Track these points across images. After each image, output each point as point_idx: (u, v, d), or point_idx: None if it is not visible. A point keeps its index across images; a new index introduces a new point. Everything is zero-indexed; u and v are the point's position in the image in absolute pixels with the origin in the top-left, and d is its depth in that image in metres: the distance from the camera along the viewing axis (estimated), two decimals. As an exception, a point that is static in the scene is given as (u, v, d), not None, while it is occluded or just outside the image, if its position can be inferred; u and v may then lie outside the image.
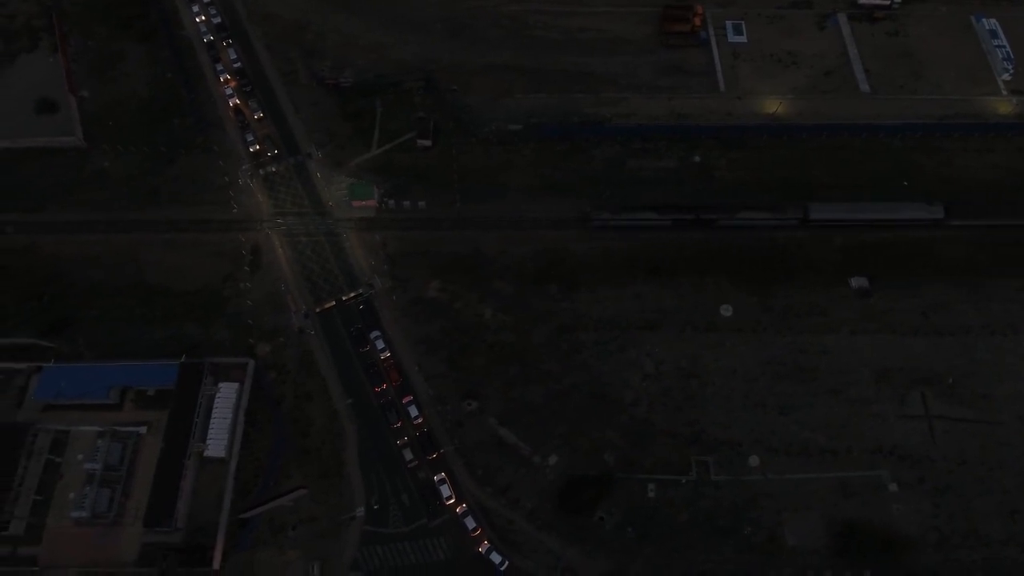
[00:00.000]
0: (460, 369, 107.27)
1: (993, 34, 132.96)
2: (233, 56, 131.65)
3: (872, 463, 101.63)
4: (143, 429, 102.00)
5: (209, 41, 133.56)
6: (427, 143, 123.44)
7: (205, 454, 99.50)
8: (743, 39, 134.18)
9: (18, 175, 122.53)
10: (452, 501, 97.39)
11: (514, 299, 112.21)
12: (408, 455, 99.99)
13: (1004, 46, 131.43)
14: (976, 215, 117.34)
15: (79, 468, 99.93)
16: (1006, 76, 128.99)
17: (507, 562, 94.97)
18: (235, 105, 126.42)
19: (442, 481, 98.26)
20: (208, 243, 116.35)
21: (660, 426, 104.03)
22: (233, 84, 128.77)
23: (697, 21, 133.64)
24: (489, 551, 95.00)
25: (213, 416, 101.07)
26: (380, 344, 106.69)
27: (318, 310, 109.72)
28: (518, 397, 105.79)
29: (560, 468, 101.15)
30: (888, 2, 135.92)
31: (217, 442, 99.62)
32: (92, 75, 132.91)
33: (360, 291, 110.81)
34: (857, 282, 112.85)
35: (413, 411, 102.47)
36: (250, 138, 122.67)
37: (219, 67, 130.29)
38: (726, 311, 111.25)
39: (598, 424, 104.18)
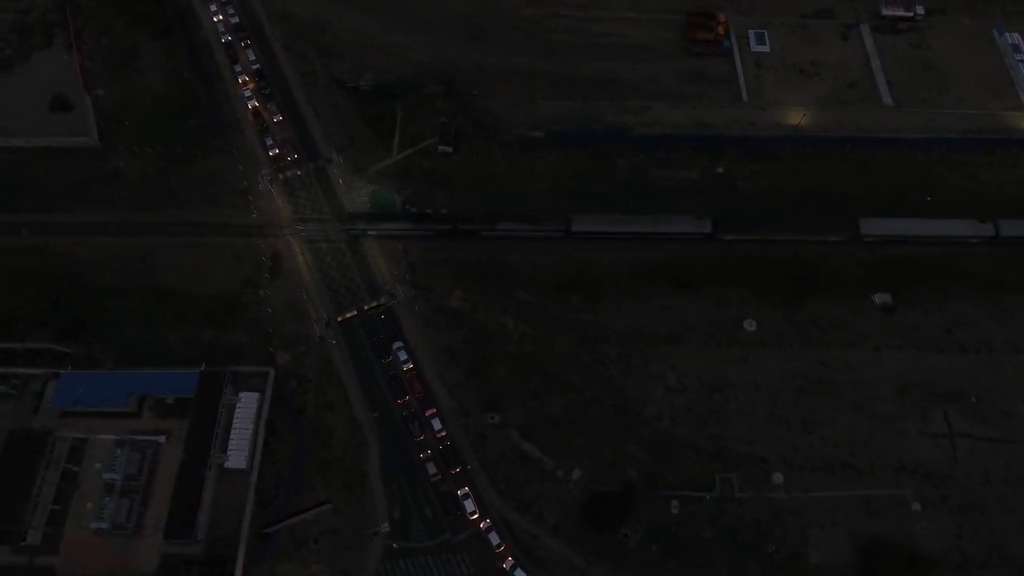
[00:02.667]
0: (482, 380, 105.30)
1: (1016, 48, 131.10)
2: (251, 57, 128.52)
3: (896, 481, 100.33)
4: (162, 438, 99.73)
5: (227, 41, 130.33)
6: (448, 149, 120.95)
7: (225, 465, 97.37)
8: (766, 48, 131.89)
9: (33, 175, 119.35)
10: (476, 516, 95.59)
11: (536, 309, 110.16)
12: (431, 469, 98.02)
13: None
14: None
15: (97, 477, 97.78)
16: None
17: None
18: (254, 107, 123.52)
19: (466, 496, 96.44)
20: (227, 247, 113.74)
21: (683, 440, 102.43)
22: (252, 85, 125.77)
23: (721, 30, 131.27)
24: (513, 567, 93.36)
25: (234, 426, 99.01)
26: (402, 355, 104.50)
27: (339, 319, 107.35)
28: (540, 409, 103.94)
29: (583, 483, 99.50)
30: (911, 14, 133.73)
31: (238, 453, 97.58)
32: (107, 72, 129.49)
33: (382, 300, 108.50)
34: (881, 298, 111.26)
35: (436, 424, 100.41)
36: (269, 141, 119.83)
37: (237, 68, 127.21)
38: (750, 325, 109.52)
39: (621, 438, 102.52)
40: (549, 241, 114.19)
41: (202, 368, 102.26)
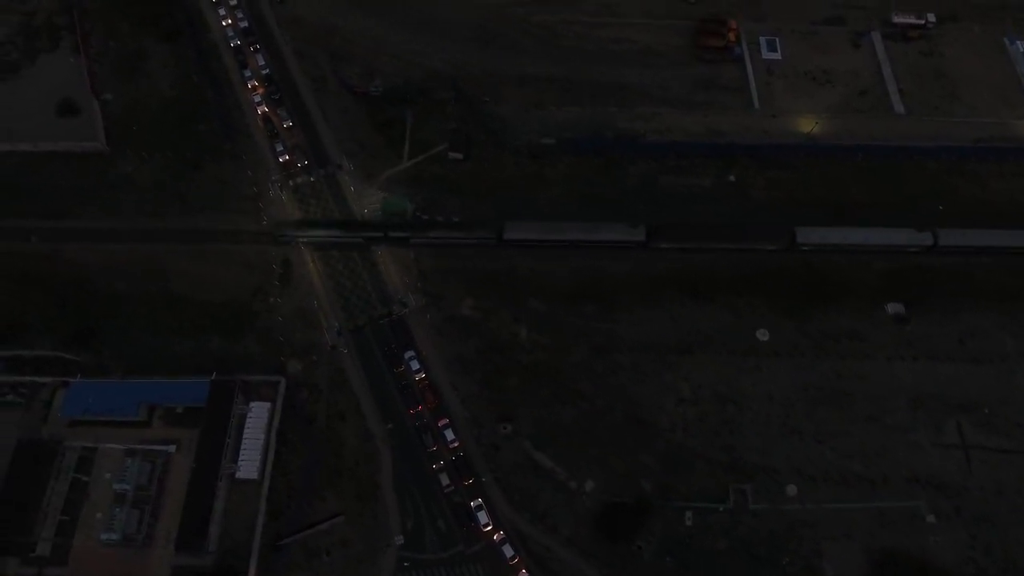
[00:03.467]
0: (494, 390, 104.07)
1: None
2: (261, 61, 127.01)
3: (909, 492, 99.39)
4: (172, 448, 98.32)
5: (236, 45, 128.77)
6: (459, 156, 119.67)
7: (237, 475, 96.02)
8: (777, 55, 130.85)
9: (40, 180, 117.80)
10: (489, 528, 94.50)
11: (549, 318, 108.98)
12: (444, 479, 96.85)
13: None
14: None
15: (106, 487, 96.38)
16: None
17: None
18: (264, 113, 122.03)
19: (479, 507, 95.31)
20: (237, 254, 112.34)
21: (696, 452, 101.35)
22: (261, 91, 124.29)
23: (732, 36, 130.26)
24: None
25: (245, 436, 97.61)
26: (415, 364, 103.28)
27: (351, 328, 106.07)
28: (552, 419, 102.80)
29: (597, 494, 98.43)
30: (922, 21, 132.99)
31: (249, 463, 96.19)
32: (114, 76, 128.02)
33: (393, 309, 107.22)
34: (893, 308, 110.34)
35: (449, 434, 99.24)
36: (279, 148, 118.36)
37: (247, 73, 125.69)
38: (763, 335, 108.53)
39: (634, 448, 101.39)
40: (482, 248, 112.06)
41: (213, 377, 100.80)
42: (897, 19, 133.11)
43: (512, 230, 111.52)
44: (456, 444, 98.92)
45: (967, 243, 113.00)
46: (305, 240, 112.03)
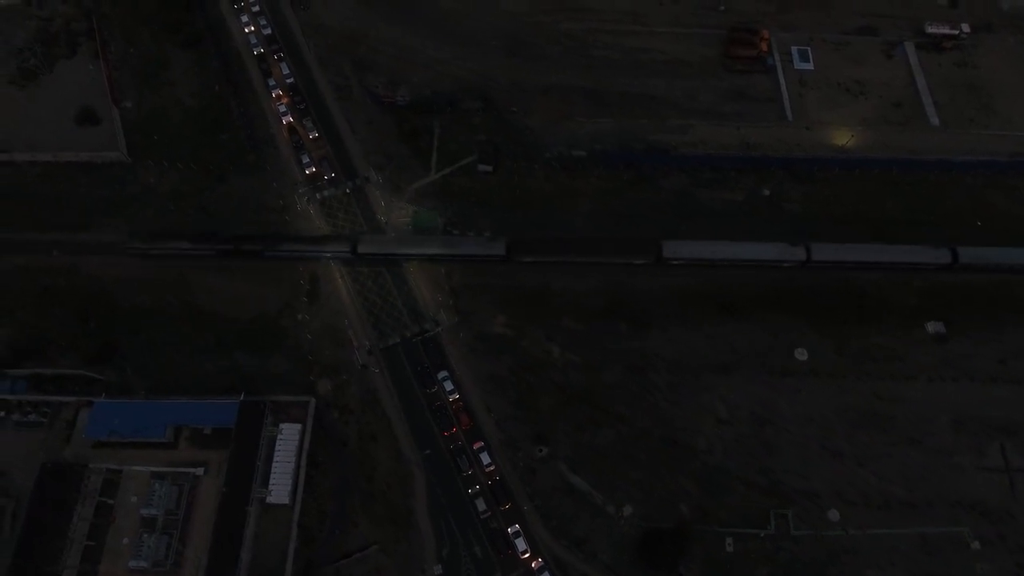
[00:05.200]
0: (529, 410, 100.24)
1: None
2: (285, 70, 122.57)
3: (953, 518, 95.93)
4: (200, 470, 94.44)
5: (259, 53, 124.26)
6: (488, 168, 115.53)
7: (267, 500, 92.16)
8: (809, 66, 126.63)
9: (60, 191, 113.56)
10: (527, 555, 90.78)
11: (582, 337, 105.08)
12: (481, 505, 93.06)
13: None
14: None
15: (132, 511, 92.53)
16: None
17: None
18: (289, 123, 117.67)
19: (517, 533, 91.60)
20: (263, 269, 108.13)
21: (735, 475, 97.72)
22: (286, 100, 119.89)
23: (764, 46, 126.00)
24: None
25: (275, 459, 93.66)
26: (448, 385, 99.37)
27: (382, 346, 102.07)
28: (589, 441, 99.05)
29: (635, 519, 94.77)
30: (956, 31, 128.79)
31: (280, 487, 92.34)
32: (134, 84, 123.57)
33: (426, 327, 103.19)
34: (934, 327, 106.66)
35: (485, 458, 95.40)
36: (306, 160, 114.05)
37: (271, 82, 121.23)
38: (801, 355, 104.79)
39: (671, 471, 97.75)
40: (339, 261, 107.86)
41: (241, 397, 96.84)
42: (930, 29, 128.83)
43: (366, 244, 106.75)
44: (492, 468, 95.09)
45: (840, 258, 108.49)
46: (155, 252, 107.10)
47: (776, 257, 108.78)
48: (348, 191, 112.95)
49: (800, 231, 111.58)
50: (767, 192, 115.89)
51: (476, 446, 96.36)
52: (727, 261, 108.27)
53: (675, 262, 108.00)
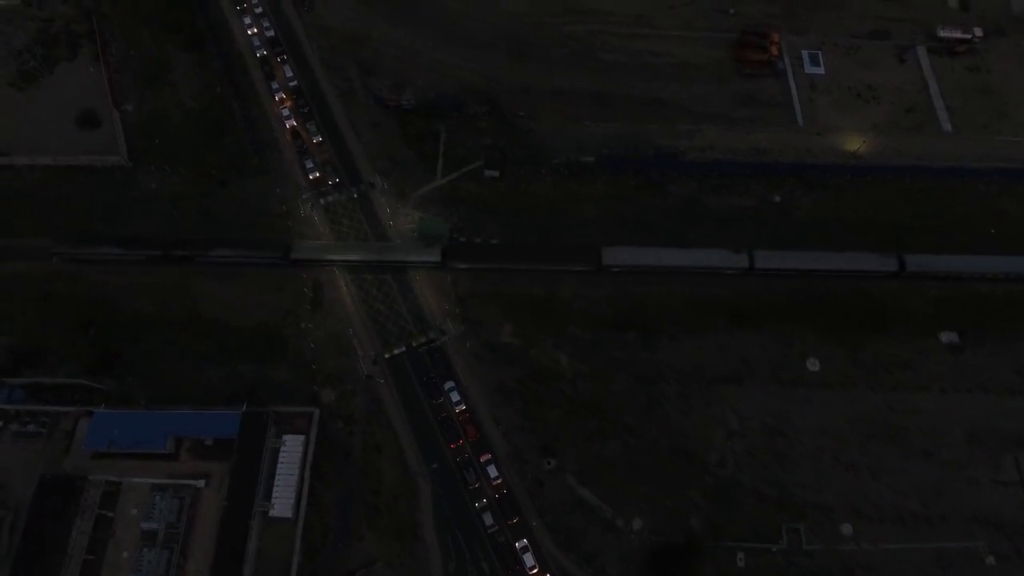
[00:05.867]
0: (537, 422, 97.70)
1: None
2: (288, 73, 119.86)
3: (968, 532, 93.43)
4: (202, 482, 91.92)
5: (262, 56, 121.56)
6: (495, 173, 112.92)
7: (270, 513, 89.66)
8: (820, 70, 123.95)
9: (60, 195, 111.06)
10: (536, 571, 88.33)
11: (591, 346, 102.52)
12: (488, 519, 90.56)
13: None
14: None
15: (133, 523, 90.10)
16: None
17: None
18: (292, 127, 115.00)
19: (525, 548, 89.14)
20: (265, 276, 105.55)
21: (746, 488, 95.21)
22: (289, 104, 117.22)
23: (774, 50, 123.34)
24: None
25: (278, 472, 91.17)
26: (455, 396, 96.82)
27: (387, 356, 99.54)
28: (597, 453, 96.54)
29: (645, 533, 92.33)
30: (969, 36, 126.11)
31: (283, 501, 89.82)
32: (136, 86, 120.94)
33: (431, 336, 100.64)
34: (947, 337, 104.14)
35: (492, 471, 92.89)
36: (309, 164, 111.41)
37: (274, 85, 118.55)
38: (813, 365, 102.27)
39: (681, 484, 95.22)
40: (270, 268, 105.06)
41: (244, 408, 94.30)
42: (943, 33, 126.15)
43: (300, 251, 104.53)
44: (499, 481, 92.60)
45: (785, 266, 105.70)
46: (83, 258, 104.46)
47: (719, 264, 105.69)
48: (356, 196, 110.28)
49: (810, 238, 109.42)
50: (777, 199, 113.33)
51: (483, 458, 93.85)
52: (669, 268, 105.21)
53: (615, 269, 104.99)
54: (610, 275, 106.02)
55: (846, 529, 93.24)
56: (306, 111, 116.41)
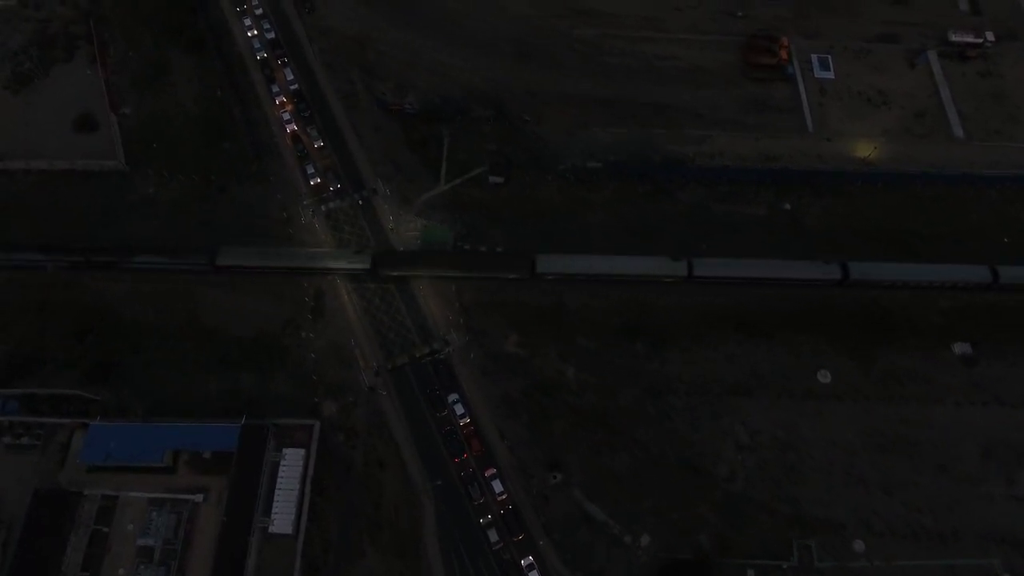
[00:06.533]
0: (542, 434, 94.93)
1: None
2: (289, 76, 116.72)
3: (983, 549, 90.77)
4: (200, 497, 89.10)
5: (263, 58, 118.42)
6: (500, 180, 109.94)
7: (270, 530, 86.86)
8: (830, 75, 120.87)
9: (56, 201, 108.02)
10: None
11: (598, 357, 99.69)
12: (493, 535, 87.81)
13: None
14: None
15: (129, 539, 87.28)
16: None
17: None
18: (292, 131, 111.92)
19: (531, 566, 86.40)
20: (265, 284, 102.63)
21: (757, 503, 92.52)
22: (290, 107, 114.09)
23: (784, 54, 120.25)
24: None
25: (278, 487, 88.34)
26: (459, 409, 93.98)
27: (390, 367, 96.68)
28: (604, 467, 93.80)
29: (653, 549, 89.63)
30: (981, 40, 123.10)
31: (283, 517, 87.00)
32: (134, 89, 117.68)
33: (435, 347, 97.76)
34: (961, 348, 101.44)
35: (497, 486, 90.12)
36: (311, 170, 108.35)
37: (274, 88, 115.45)
38: (824, 377, 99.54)
39: (690, 499, 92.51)
40: (192, 274, 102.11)
41: (243, 421, 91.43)
42: (954, 37, 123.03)
43: (226, 256, 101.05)
44: (504, 496, 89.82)
45: (724, 274, 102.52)
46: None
47: (657, 272, 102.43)
48: (360, 202, 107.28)
49: (822, 247, 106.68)
50: (788, 206, 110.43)
51: (488, 473, 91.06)
52: (603, 276, 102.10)
53: (549, 277, 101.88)
54: (616, 283, 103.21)
55: (858, 546, 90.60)
56: (307, 115, 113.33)
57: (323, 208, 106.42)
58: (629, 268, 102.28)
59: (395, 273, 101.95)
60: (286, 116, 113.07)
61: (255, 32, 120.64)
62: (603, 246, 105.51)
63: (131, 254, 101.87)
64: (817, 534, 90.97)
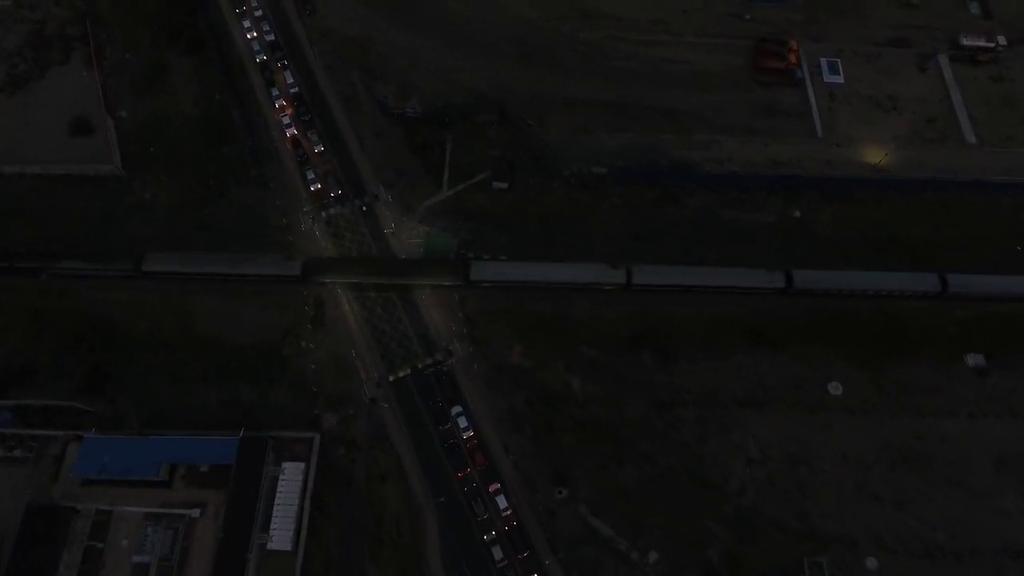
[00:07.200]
0: (547, 448, 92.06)
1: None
2: (289, 79, 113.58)
3: (998, 566, 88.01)
4: (196, 512, 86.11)
5: (262, 61, 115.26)
6: (504, 185, 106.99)
7: (268, 546, 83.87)
8: (839, 79, 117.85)
9: (51, 206, 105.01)
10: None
11: (604, 367, 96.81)
12: (498, 552, 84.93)
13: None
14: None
15: (123, 555, 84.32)
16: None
17: None
18: (292, 136, 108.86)
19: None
20: (264, 292, 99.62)
21: (767, 518, 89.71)
22: (290, 111, 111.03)
23: (793, 58, 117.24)
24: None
25: (277, 502, 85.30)
26: (463, 422, 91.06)
27: (391, 378, 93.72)
28: (611, 481, 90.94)
29: (662, 566, 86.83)
30: (992, 44, 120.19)
31: (282, 533, 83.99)
32: (132, 92, 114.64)
33: (438, 358, 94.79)
34: (974, 360, 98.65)
35: (501, 501, 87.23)
36: (311, 175, 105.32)
37: (274, 91, 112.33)
38: (835, 389, 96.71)
39: (699, 514, 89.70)
40: (121, 280, 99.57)
41: (242, 434, 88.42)
42: (966, 41, 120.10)
43: (152, 262, 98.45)
44: (509, 512, 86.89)
45: (662, 281, 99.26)
46: None
47: (594, 280, 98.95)
48: (363, 208, 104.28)
49: (832, 254, 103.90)
50: (797, 214, 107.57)
51: (492, 488, 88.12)
52: (540, 284, 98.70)
53: (485, 284, 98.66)
54: (625, 292, 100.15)
55: (871, 563, 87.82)
56: (307, 119, 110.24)
57: (323, 215, 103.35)
58: (566, 276, 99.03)
59: (326, 280, 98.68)
60: (286, 120, 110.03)
61: (255, 34, 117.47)
62: (608, 253, 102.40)
63: (55, 260, 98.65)
64: (829, 551, 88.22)
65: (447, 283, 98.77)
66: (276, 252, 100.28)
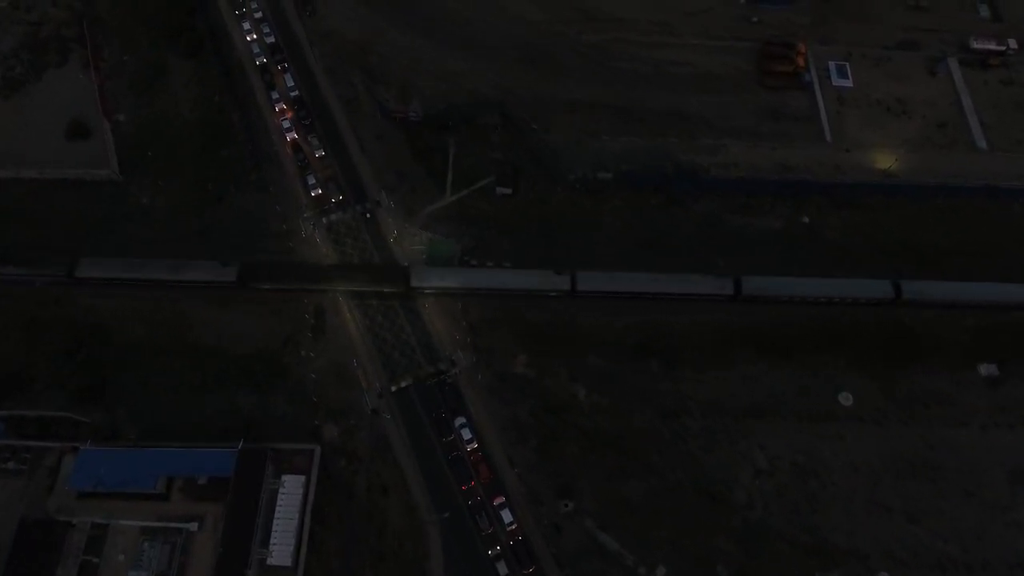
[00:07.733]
0: (553, 459, 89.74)
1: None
2: (290, 82, 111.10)
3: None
4: (194, 525, 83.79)
5: (262, 63, 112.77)
6: (507, 191, 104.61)
7: (268, 562, 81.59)
8: (848, 83, 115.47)
9: (47, 211, 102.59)
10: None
11: (609, 376, 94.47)
12: (503, 568, 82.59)
13: None
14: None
15: (120, 570, 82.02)
16: None
17: None
18: (293, 140, 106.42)
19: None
20: (264, 300, 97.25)
21: (776, 532, 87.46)
22: (290, 115, 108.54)
23: (800, 61, 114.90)
24: None
25: (277, 516, 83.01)
26: (467, 433, 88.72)
27: (393, 388, 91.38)
28: (617, 494, 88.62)
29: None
30: (1003, 47, 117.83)
31: (282, 548, 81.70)
32: (129, 95, 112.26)
33: (441, 368, 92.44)
34: (986, 369, 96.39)
35: (506, 515, 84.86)
36: (312, 180, 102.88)
37: (274, 95, 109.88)
38: (845, 399, 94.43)
39: (707, 527, 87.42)
40: (53, 287, 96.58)
41: (240, 445, 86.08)
42: (976, 44, 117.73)
43: (86, 268, 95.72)
44: (514, 526, 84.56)
45: (609, 288, 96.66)
46: None
47: (539, 287, 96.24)
48: (367, 215, 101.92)
49: (843, 261, 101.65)
50: (806, 219, 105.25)
51: (496, 501, 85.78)
52: (483, 290, 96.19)
53: (427, 291, 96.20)
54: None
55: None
56: (308, 123, 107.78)
57: (324, 220, 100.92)
58: (510, 283, 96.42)
59: (265, 287, 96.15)
60: (286, 124, 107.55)
61: (254, 36, 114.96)
62: (613, 259, 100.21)
63: None
64: (839, 565, 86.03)
65: (387, 289, 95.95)
66: (212, 259, 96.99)
